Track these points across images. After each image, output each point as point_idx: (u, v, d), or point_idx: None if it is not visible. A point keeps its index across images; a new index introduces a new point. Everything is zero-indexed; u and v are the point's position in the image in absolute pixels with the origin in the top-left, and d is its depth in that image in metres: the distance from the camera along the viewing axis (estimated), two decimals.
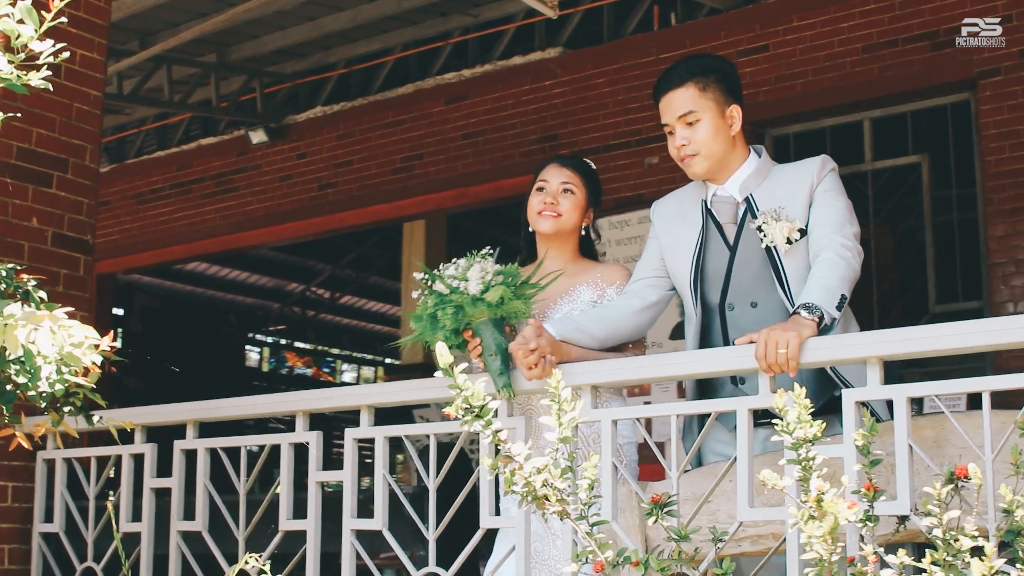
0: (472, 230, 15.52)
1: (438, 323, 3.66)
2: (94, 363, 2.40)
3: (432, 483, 3.77)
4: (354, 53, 10.35)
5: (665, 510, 2.91)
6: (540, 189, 4.18)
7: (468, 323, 3.68)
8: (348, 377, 22.90)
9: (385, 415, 4.12)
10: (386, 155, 10.25)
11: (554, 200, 4.13)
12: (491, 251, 3.85)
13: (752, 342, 3.36)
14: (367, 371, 23.13)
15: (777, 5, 8.39)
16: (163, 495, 4.48)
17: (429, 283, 3.74)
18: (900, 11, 7.87)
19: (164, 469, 4.45)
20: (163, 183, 11.69)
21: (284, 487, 4.11)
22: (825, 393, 3.65)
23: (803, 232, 3.75)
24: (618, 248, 8.57)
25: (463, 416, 2.66)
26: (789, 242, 3.73)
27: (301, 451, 4.11)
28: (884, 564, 2.44)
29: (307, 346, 21.68)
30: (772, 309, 3.80)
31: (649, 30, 9.15)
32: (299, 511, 4.06)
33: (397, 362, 17.55)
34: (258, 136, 10.78)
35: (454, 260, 3.80)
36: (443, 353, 2.73)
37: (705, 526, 3.12)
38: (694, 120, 3.87)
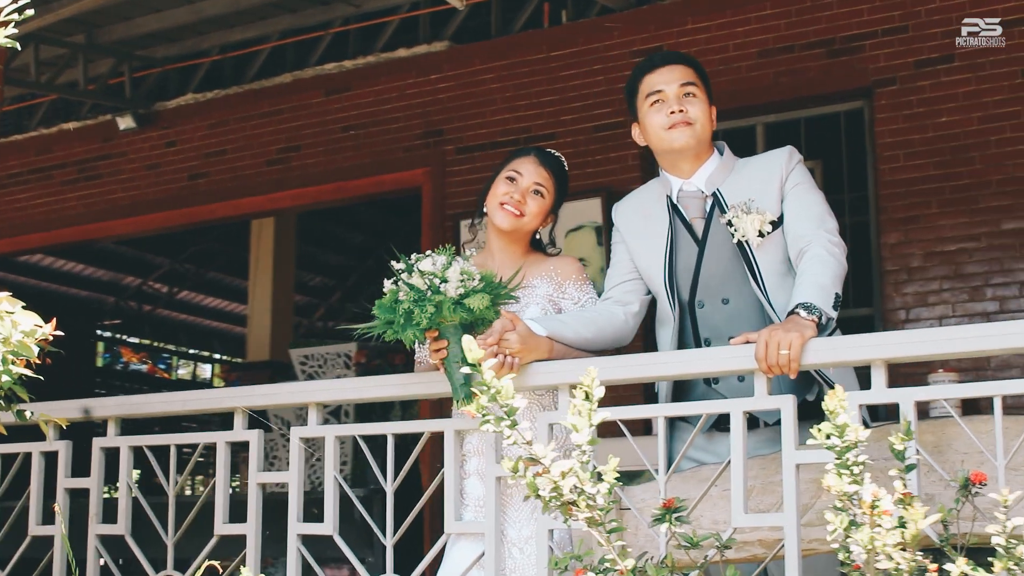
0: (321, 229, 15.24)
1: (413, 320, 3.41)
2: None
3: (390, 487, 3.54)
4: (229, 40, 9.95)
5: (676, 516, 2.68)
6: (510, 179, 3.95)
7: (438, 325, 3.45)
8: (183, 374, 22.30)
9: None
10: (261, 146, 9.88)
11: (522, 198, 3.91)
12: (462, 250, 3.66)
13: (749, 342, 3.22)
14: (204, 368, 22.55)
15: (672, 7, 8.29)
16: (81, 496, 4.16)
17: (406, 274, 3.49)
18: (797, 17, 7.82)
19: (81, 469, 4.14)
20: (20, 168, 11.12)
21: (220, 488, 3.82)
22: (799, 396, 3.51)
23: (775, 225, 3.64)
24: None
25: (484, 416, 2.41)
26: (761, 235, 3.63)
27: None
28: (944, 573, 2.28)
29: (144, 342, 21.03)
30: (744, 305, 3.69)
31: (539, 27, 8.98)
32: (237, 514, 3.77)
33: (240, 360, 17.13)
34: (126, 122, 10.30)
35: (428, 253, 3.56)
36: (472, 347, 2.50)
37: (687, 533, 2.94)
38: (693, 93, 3.79)
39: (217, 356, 21.92)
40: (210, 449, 3.90)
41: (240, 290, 17.86)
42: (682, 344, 3.75)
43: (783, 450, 3.04)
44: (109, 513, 4.07)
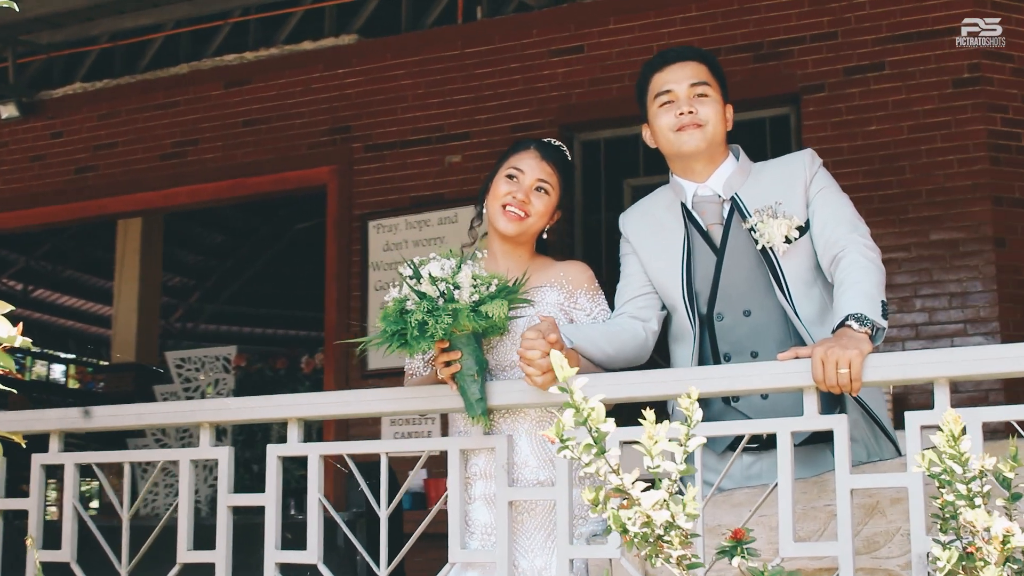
0: (182, 228, 14.73)
1: (427, 331, 3.08)
2: None
3: (383, 512, 3.24)
4: (120, 27, 9.47)
5: (747, 548, 2.40)
6: (511, 177, 3.60)
7: (451, 335, 3.14)
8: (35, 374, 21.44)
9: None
10: (155, 139, 9.40)
11: (526, 198, 3.57)
12: (473, 252, 3.34)
13: (799, 357, 3.00)
14: (57, 370, 21.71)
15: (593, 6, 8.07)
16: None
17: (415, 281, 3.17)
18: (723, 20, 7.67)
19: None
20: None
21: (183, 510, 3.46)
22: (828, 404, 3.29)
23: (801, 230, 3.42)
24: (416, 249, 8.06)
25: (563, 440, 2.12)
26: (787, 241, 3.39)
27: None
28: None
29: None
30: (767, 317, 3.46)
31: (452, 22, 8.70)
32: (202, 540, 3.43)
33: (105, 362, 16.49)
34: (8, 111, 9.72)
35: (433, 255, 3.24)
36: (562, 364, 2.20)
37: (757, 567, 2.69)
38: (704, 93, 3.53)
39: (76, 358, 21.09)
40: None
41: (97, 289, 17.27)
42: (701, 361, 3.51)
43: (837, 474, 2.82)
44: (53, 537, 3.66)
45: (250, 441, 10.52)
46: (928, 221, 7.01)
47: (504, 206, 3.56)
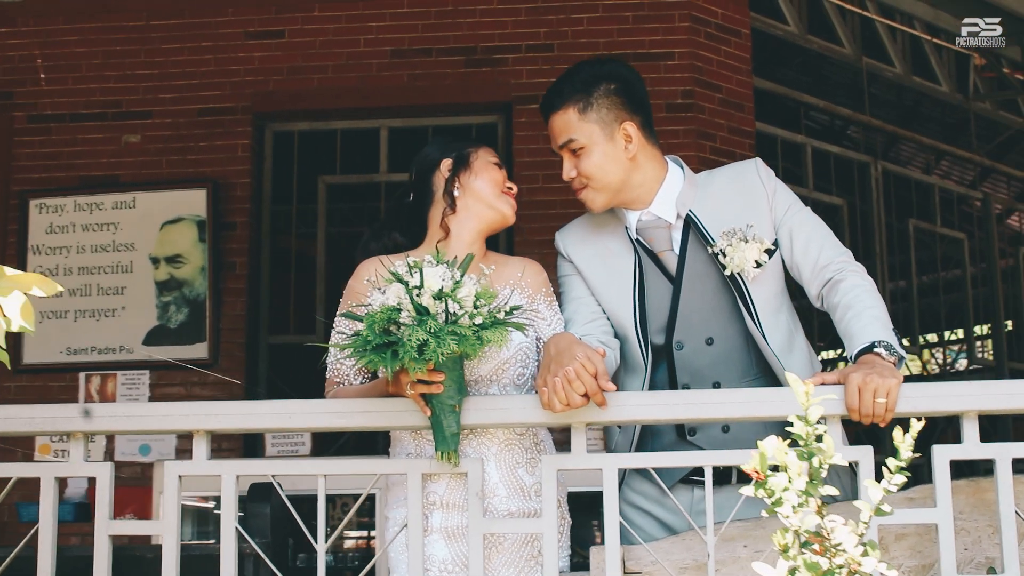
0: None
1: (424, 354, 2.61)
2: None
3: (321, 546, 2.76)
4: None
5: None
6: (499, 166, 3.32)
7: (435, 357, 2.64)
8: None
9: None
10: None
11: (511, 186, 3.32)
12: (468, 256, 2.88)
13: (825, 383, 2.74)
14: None
15: None
16: None
17: (416, 292, 2.66)
18: (437, 20, 7.38)
19: None
20: None
21: (46, 540, 2.77)
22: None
23: (770, 252, 3.15)
24: (86, 234, 7.33)
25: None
26: (758, 265, 3.10)
27: None
28: None
29: None
30: (732, 344, 3.18)
31: None
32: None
33: None
34: None
35: (427, 259, 2.74)
36: (797, 383, 1.81)
37: None
38: (577, 148, 3.18)
39: None
40: None
41: None
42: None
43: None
44: None
45: None
46: None
47: (502, 192, 3.28)
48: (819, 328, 8.50)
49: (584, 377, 2.70)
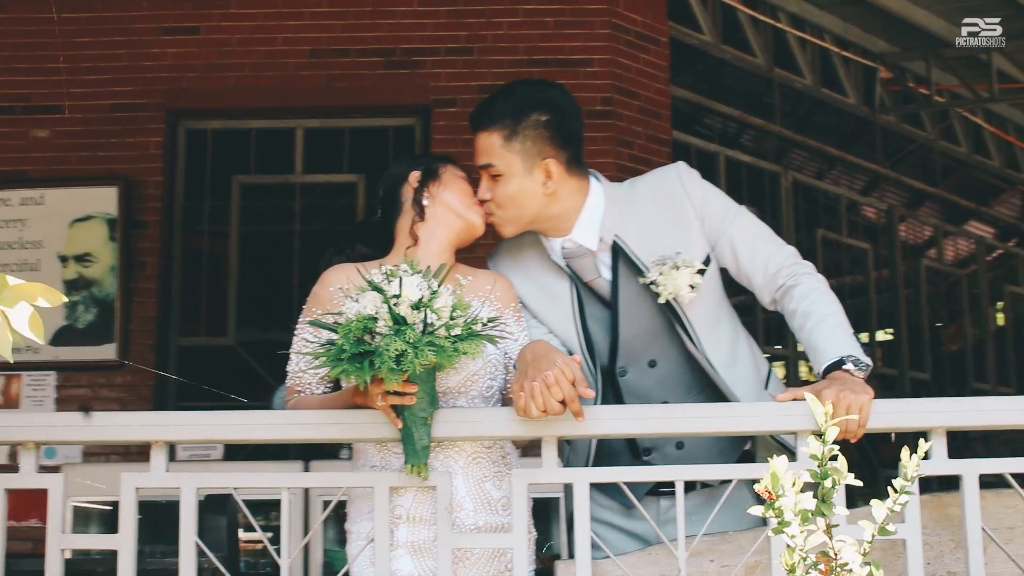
0: None
1: (401, 365, 2.55)
2: None
3: (285, 560, 2.68)
4: None
5: None
6: (466, 180, 3.21)
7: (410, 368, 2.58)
8: None
9: None
10: None
11: (482, 199, 3.17)
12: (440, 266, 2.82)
13: (796, 399, 2.71)
14: None
15: None
16: None
17: (394, 301, 2.59)
18: (355, 21, 7.33)
19: None
20: None
21: None
22: (736, 450, 3.13)
23: (702, 271, 3.07)
24: None
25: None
26: (692, 288, 3.04)
27: None
28: None
29: None
30: (675, 364, 3.13)
31: None
32: None
33: None
34: None
35: (404, 267, 2.67)
36: (815, 403, 1.79)
37: None
38: (496, 174, 3.08)
39: None
40: None
41: None
42: None
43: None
44: None
45: None
46: None
47: (477, 203, 3.16)
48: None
49: (562, 383, 2.65)
